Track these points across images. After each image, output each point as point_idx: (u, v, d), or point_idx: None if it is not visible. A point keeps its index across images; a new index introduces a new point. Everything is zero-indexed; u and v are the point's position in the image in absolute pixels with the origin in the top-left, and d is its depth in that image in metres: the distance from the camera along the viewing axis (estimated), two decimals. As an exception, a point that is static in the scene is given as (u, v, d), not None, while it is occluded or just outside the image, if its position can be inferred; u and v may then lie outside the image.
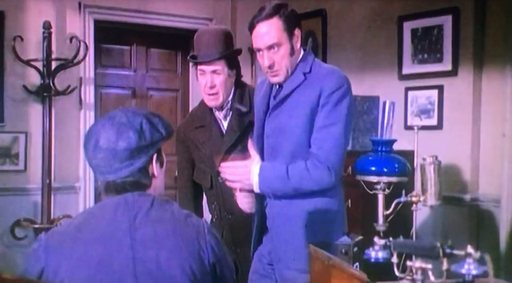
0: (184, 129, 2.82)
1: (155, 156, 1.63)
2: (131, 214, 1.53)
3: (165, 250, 1.51)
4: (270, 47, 2.22)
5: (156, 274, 1.49)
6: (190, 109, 5.18)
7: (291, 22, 2.24)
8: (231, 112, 2.66)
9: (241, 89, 2.68)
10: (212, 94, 2.61)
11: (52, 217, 4.16)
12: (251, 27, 2.25)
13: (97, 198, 1.65)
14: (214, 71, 2.59)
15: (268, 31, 2.21)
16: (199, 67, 2.61)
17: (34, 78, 4.23)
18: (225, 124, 2.68)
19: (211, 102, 2.64)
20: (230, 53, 2.61)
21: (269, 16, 2.21)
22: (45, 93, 4.19)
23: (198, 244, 1.55)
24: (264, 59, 2.24)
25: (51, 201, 4.17)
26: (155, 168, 1.63)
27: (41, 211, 4.16)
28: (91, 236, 1.51)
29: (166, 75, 5.19)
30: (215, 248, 1.59)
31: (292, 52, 2.25)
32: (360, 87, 4.52)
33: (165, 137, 1.65)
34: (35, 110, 4.26)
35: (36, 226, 4.14)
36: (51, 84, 4.20)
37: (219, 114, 2.69)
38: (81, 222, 1.58)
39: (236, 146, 2.59)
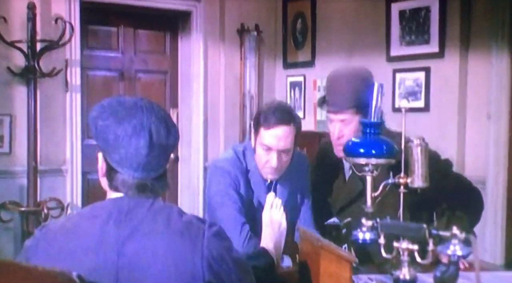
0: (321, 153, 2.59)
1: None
2: (122, 225, 1.42)
3: (153, 270, 1.39)
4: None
5: None
6: (180, 91, 5.18)
7: None
8: None
9: None
10: (340, 144, 2.34)
11: (38, 200, 4.15)
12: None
13: (111, 187, 1.53)
14: (342, 121, 2.35)
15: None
16: (327, 114, 2.41)
17: (18, 60, 4.18)
18: (348, 173, 2.44)
19: (339, 152, 2.37)
20: (364, 101, 2.28)
21: None
22: (30, 75, 4.14)
23: (192, 262, 1.41)
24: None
25: (37, 184, 4.15)
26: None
27: (27, 194, 4.13)
28: (78, 246, 1.41)
29: (155, 57, 5.15)
30: (213, 263, 1.43)
31: None
32: (348, 70, 4.52)
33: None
34: (20, 92, 4.21)
35: (22, 209, 4.11)
36: (36, 66, 4.14)
37: (346, 164, 2.43)
38: (72, 226, 1.47)
39: (356, 200, 2.34)
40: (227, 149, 2.71)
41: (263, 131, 2.26)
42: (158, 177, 1.50)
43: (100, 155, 1.53)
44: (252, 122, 2.37)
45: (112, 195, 1.52)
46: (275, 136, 2.24)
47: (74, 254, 1.41)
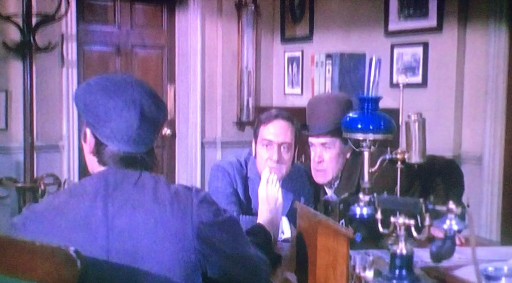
0: None
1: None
2: (109, 200, 1.42)
3: (144, 243, 1.40)
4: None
5: (132, 268, 1.39)
6: (177, 66, 5.14)
7: None
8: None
9: (351, 166, 2.40)
10: (320, 170, 2.41)
11: (35, 176, 4.15)
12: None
13: (100, 162, 1.54)
14: (323, 145, 2.38)
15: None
16: (309, 138, 2.43)
17: (14, 35, 4.14)
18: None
19: (318, 178, 2.43)
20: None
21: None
22: (25, 50, 4.10)
23: (182, 232, 1.42)
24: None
25: (33, 160, 4.14)
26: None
27: (23, 170, 4.13)
28: (67, 223, 1.42)
29: (152, 32, 5.10)
30: (204, 230, 1.44)
31: None
32: (347, 44, 4.50)
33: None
34: (15, 67, 4.18)
35: (19, 185, 4.12)
36: (32, 40, 4.11)
37: (328, 190, 2.46)
38: (60, 204, 1.46)
39: None
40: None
41: (262, 128, 2.34)
42: (147, 151, 1.51)
43: (88, 131, 1.52)
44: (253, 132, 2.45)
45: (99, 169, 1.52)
46: (275, 130, 2.32)
47: (63, 231, 1.41)
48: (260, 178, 2.34)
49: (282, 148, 2.32)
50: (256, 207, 2.27)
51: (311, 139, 2.42)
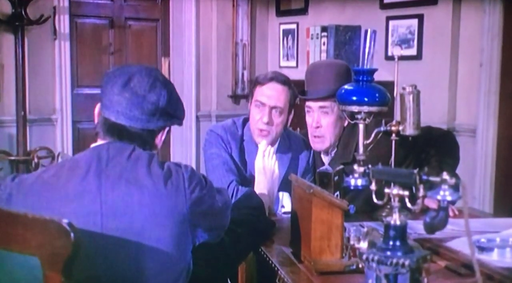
0: None
1: (166, 129, 1.56)
2: (102, 175, 1.42)
3: (139, 217, 1.40)
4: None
5: (126, 242, 1.40)
6: (171, 40, 5.08)
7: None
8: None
9: (349, 135, 2.38)
10: (317, 136, 2.36)
11: (28, 149, 4.14)
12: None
13: (97, 131, 1.54)
14: (322, 108, 2.33)
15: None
16: (306, 103, 2.37)
17: (5, 7, 4.09)
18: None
19: (315, 145, 2.39)
20: None
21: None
22: (17, 22, 4.07)
23: (176, 209, 1.43)
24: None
25: (26, 133, 4.14)
26: (160, 140, 1.56)
27: (16, 143, 4.12)
28: (57, 197, 1.40)
29: (146, 4, 5.03)
30: (196, 205, 1.46)
31: None
32: (342, 17, 4.47)
33: (181, 121, 1.59)
34: (7, 40, 4.14)
35: (12, 158, 4.12)
36: (24, 13, 4.06)
37: (324, 158, 2.43)
38: (50, 178, 1.44)
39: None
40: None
41: (257, 89, 2.33)
42: (142, 130, 1.49)
43: (97, 107, 1.55)
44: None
45: (92, 145, 1.52)
46: (269, 92, 2.30)
47: (54, 205, 1.40)
48: (254, 141, 2.35)
49: (273, 111, 2.31)
50: (252, 170, 2.27)
51: (309, 104, 2.37)
